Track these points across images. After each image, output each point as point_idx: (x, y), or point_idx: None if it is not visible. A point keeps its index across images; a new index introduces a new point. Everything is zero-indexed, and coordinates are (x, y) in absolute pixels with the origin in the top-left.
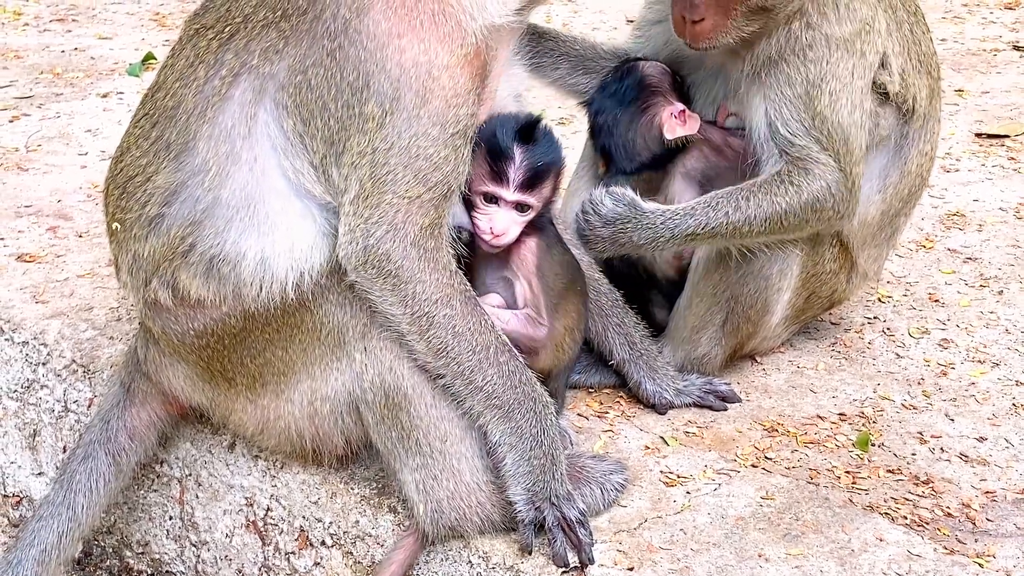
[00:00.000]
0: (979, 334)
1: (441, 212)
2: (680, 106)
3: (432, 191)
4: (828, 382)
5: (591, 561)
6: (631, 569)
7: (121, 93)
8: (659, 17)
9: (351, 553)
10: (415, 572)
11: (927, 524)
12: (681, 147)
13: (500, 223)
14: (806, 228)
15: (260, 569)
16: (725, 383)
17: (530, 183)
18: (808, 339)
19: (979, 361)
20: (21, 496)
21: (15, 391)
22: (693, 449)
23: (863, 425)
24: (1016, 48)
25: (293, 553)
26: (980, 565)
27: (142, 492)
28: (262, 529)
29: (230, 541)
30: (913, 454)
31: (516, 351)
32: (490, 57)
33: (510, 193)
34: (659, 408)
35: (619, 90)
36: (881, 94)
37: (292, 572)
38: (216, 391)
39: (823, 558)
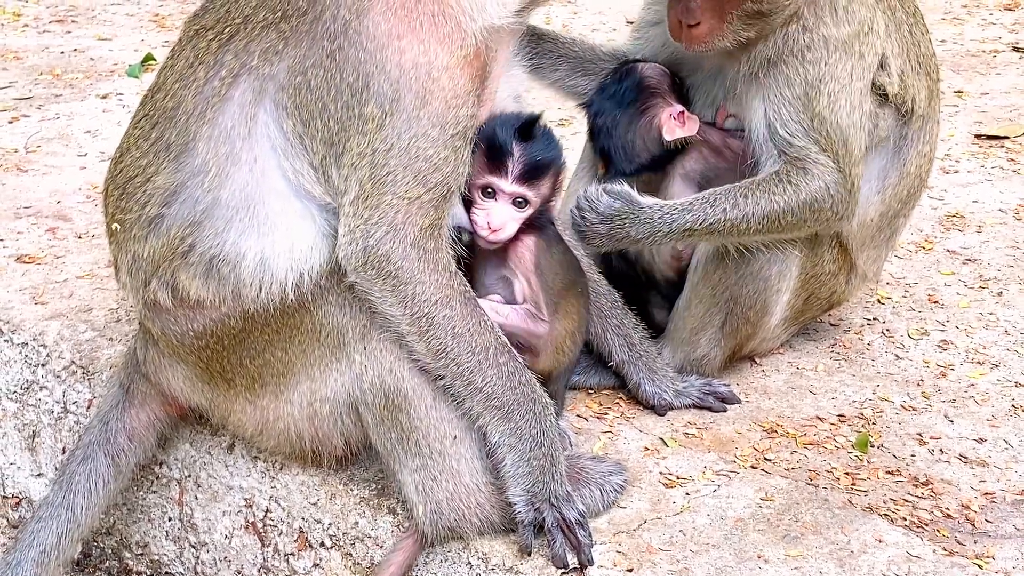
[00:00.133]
0: (978, 335)
1: (441, 213)
2: (679, 107)
3: (432, 192)
4: (827, 383)
5: (590, 562)
6: (630, 570)
7: (121, 94)
8: (658, 19)
9: (350, 554)
10: (414, 573)
11: (926, 525)
12: (680, 148)
13: (497, 217)
14: (804, 228)
15: (259, 570)
16: (724, 384)
17: (528, 176)
18: (807, 340)
19: (978, 362)
20: (20, 497)
21: (14, 392)
22: (692, 450)
23: (862, 426)
24: (1015, 49)
25: (292, 554)
26: (979, 566)
27: (141, 493)
28: (261, 530)
29: (229, 542)
30: (912, 455)
31: (516, 352)
32: (490, 58)
33: (508, 184)
34: (658, 409)
35: (618, 92)
36: (880, 95)
37: (291, 573)
38: (215, 392)
39: (822, 559)
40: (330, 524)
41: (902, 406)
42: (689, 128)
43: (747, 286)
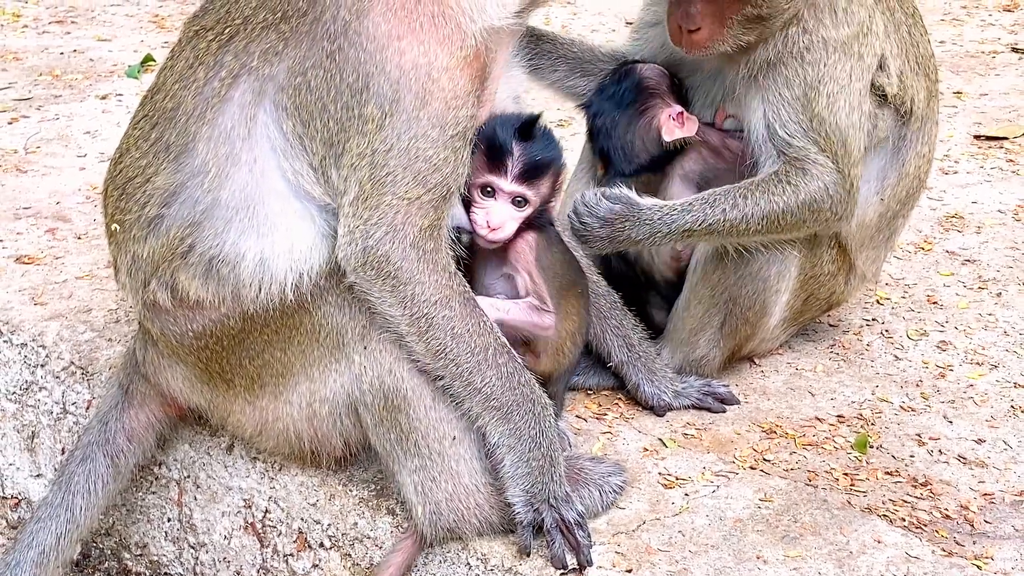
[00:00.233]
0: (977, 336)
1: (440, 214)
2: (678, 108)
3: (431, 193)
4: (826, 384)
5: (589, 563)
6: (629, 571)
7: (120, 95)
8: (657, 19)
9: (349, 555)
10: (413, 574)
11: (925, 526)
12: (679, 149)
13: (496, 216)
14: (804, 228)
15: (258, 571)
16: (723, 385)
17: (528, 176)
18: (806, 341)
19: (977, 363)
20: (19, 498)
21: (13, 393)
22: (691, 451)
23: (861, 427)
24: (1015, 50)
25: (291, 555)
26: (978, 567)
27: (140, 494)
28: (260, 531)
29: (228, 543)
30: (911, 456)
31: (515, 353)
32: (489, 59)
33: (507, 183)
34: (657, 410)
35: (617, 92)
36: (879, 96)
37: (291, 574)
38: (215, 392)
39: (821, 560)
40: (329, 525)
41: (901, 407)
42: (688, 129)
43: (746, 287)
